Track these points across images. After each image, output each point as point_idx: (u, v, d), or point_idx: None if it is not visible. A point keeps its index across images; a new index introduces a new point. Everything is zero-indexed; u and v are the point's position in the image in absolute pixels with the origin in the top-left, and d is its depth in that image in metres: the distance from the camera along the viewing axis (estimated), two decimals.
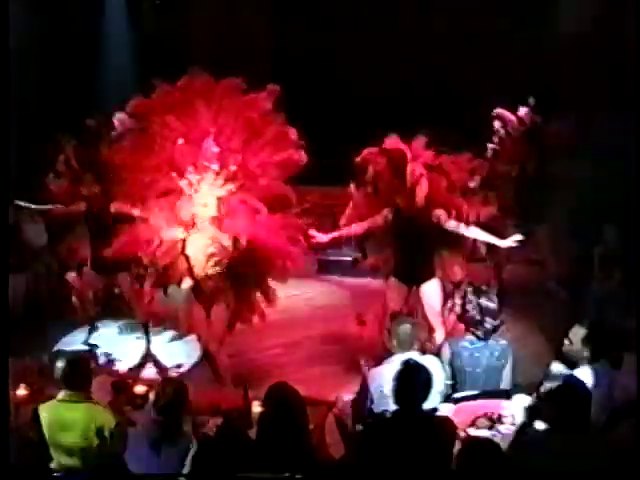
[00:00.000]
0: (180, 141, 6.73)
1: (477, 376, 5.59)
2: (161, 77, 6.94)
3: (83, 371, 4.95)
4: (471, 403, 5.35)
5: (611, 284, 7.93)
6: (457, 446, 4.52)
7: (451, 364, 5.66)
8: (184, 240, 6.73)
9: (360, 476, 4.61)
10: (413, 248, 7.04)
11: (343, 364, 7.56)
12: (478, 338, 5.69)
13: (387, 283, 7.29)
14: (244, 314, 7.06)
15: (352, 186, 7.55)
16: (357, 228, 7.35)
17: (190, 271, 6.74)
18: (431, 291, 7.13)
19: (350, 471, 4.70)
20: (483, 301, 5.77)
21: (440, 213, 6.96)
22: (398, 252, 7.19)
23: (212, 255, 6.66)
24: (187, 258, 6.74)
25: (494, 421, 5.11)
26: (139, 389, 5.72)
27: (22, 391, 5.67)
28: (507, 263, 8.22)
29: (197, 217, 6.69)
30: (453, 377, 5.64)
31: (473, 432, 4.98)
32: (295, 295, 9.32)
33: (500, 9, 10.87)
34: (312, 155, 9.22)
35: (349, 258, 10.25)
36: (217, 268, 6.70)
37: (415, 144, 7.25)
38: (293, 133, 6.94)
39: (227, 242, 6.67)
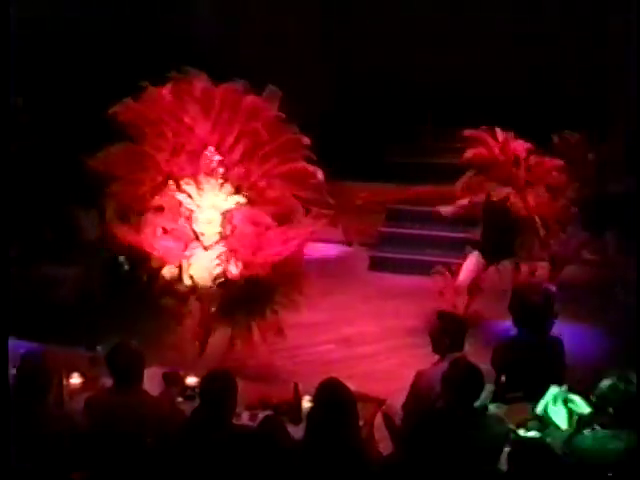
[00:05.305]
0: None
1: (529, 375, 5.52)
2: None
3: (135, 362, 4.98)
4: (523, 403, 5.28)
5: None
6: (507, 447, 4.51)
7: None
8: (188, 259, 6.40)
9: (408, 474, 4.60)
10: (499, 230, 7.78)
11: (395, 360, 7.60)
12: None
13: (471, 254, 8.04)
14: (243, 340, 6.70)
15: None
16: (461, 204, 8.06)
17: (194, 291, 6.45)
18: (507, 270, 7.85)
19: (398, 469, 4.70)
20: None
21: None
22: (486, 230, 7.94)
23: (218, 277, 6.35)
24: (191, 278, 6.41)
25: (544, 422, 5.04)
26: (191, 380, 5.67)
27: (76, 380, 5.68)
28: (567, 263, 8.22)
29: (202, 235, 6.35)
30: (506, 375, 5.59)
31: (523, 433, 4.92)
32: (348, 291, 9.38)
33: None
34: (364, 153, 9.24)
35: (403, 256, 10.23)
36: (222, 290, 6.40)
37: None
38: (305, 142, 6.55)
39: (233, 264, 6.34)
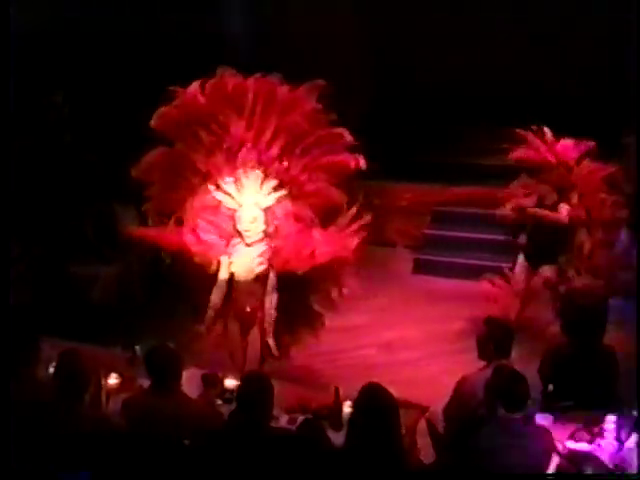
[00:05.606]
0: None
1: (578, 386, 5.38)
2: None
3: (173, 363, 4.96)
4: (571, 414, 5.16)
5: None
6: (554, 458, 4.49)
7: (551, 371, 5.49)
8: (230, 255, 6.31)
9: None
10: (545, 235, 7.68)
11: (438, 366, 7.50)
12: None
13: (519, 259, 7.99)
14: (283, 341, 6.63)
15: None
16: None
17: (232, 290, 6.36)
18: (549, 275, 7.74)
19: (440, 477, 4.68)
20: None
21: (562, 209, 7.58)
22: (532, 234, 7.84)
23: (259, 277, 6.29)
24: (231, 275, 6.34)
25: (595, 434, 4.89)
26: (230, 383, 5.65)
27: (113, 380, 5.68)
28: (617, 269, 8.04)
29: (246, 231, 6.24)
30: (554, 384, 5.46)
31: (571, 445, 4.81)
32: (390, 294, 9.25)
33: None
34: (409, 153, 9.07)
35: (448, 259, 10.13)
36: (263, 289, 6.31)
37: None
38: (346, 134, 6.39)
39: (275, 262, 6.25)
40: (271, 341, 6.43)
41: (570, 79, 10.44)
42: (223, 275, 6.36)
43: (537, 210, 7.74)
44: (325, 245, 6.23)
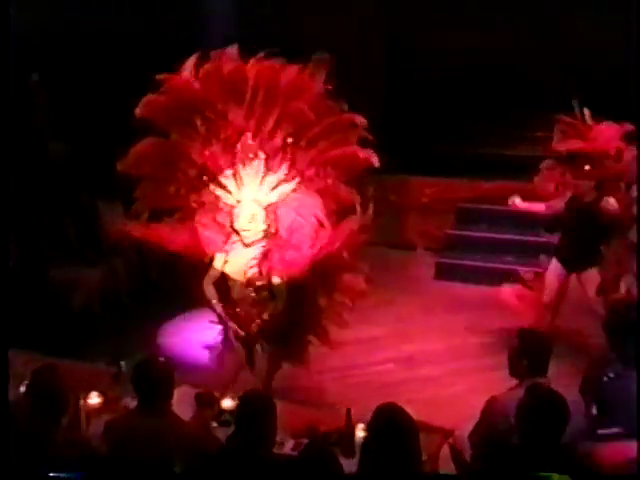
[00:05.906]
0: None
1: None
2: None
3: (163, 380, 4.66)
4: (620, 442, 4.72)
5: None
6: None
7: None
8: (227, 253, 6.03)
9: None
10: (581, 235, 7.34)
11: (464, 384, 7.21)
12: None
13: (551, 264, 7.64)
14: (286, 355, 6.37)
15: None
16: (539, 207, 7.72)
17: (226, 293, 6.06)
18: (592, 279, 7.38)
19: None
20: None
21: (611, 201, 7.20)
22: (566, 235, 7.53)
23: (253, 279, 5.98)
24: (225, 276, 6.06)
25: None
26: (227, 404, 5.38)
27: (95, 399, 5.40)
28: None
29: (244, 231, 5.95)
30: (599, 409, 4.99)
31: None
32: (410, 302, 8.99)
33: None
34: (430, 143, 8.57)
35: (474, 262, 9.84)
36: (260, 294, 6.01)
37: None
38: (358, 119, 6.05)
39: (275, 265, 5.97)
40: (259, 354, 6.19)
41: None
42: (217, 268, 6.11)
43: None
44: (319, 241, 6.02)
